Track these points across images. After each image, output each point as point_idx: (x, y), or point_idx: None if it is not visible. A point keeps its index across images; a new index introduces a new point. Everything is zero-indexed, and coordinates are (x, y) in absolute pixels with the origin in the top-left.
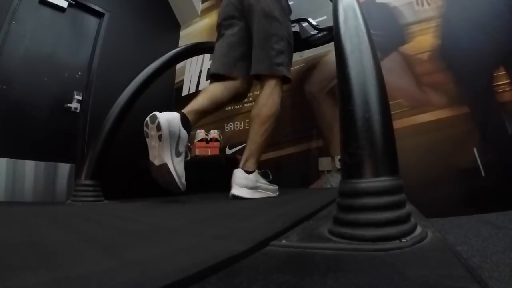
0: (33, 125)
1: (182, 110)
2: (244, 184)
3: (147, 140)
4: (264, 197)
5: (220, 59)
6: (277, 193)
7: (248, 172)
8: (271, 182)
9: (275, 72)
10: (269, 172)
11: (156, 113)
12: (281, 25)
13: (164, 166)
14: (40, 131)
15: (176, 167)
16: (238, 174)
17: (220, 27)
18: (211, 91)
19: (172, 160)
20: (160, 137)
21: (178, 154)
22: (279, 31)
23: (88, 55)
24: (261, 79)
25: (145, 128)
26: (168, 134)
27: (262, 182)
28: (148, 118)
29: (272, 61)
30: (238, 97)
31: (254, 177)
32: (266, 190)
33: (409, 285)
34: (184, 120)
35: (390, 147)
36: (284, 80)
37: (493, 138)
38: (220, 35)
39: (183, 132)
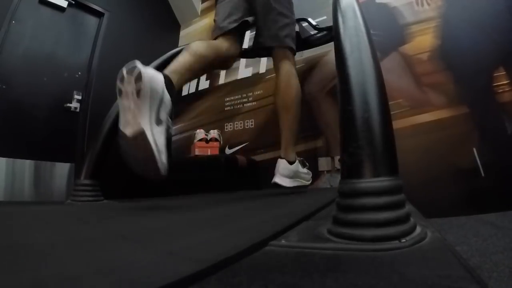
0: (32, 124)
1: (163, 72)
2: (286, 174)
3: (119, 100)
4: (297, 186)
5: (225, 18)
6: (310, 181)
7: (291, 163)
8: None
9: (287, 43)
10: (306, 162)
11: (136, 61)
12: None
13: (140, 134)
14: (40, 130)
15: (156, 137)
16: (282, 165)
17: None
18: (193, 47)
19: (151, 126)
20: (138, 92)
21: (159, 122)
22: (283, 8)
23: (88, 55)
24: (273, 53)
25: (118, 83)
26: (150, 90)
27: (301, 171)
28: (124, 69)
29: (281, 34)
30: (223, 58)
31: (295, 167)
32: (303, 179)
33: (408, 285)
34: (168, 82)
35: (390, 147)
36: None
37: (493, 138)
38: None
39: (167, 96)
